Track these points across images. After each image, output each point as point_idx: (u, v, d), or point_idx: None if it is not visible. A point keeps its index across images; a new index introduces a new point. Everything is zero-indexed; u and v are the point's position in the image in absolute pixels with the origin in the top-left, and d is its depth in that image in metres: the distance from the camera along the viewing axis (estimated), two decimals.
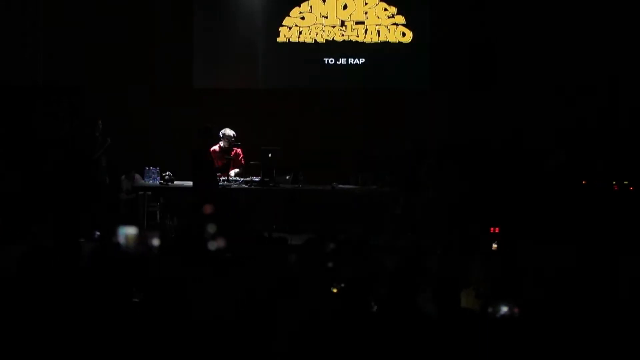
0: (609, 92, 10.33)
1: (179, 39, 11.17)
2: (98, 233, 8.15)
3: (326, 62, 11.24)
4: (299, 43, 11.25)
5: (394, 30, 11.17)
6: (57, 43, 10.60)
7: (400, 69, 11.15)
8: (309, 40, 11.24)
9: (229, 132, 9.48)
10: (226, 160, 9.23)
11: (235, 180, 9.35)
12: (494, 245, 6.39)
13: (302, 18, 11.25)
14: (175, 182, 9.52)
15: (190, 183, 9.48)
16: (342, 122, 10.87)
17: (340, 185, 9.69)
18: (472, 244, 7.51)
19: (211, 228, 4.24)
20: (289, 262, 4.25)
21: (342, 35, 11.21)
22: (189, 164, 8.82)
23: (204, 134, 8.66)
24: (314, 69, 11.24)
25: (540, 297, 3.53)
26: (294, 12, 11.25)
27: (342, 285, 3.70)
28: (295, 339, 3.19)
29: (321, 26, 11.22)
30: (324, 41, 11.22)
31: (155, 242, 3.73)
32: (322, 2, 11.22)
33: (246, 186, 9.28)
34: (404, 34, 11.15)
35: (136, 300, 3.53)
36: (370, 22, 11.19)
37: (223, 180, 9.34)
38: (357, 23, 11.21)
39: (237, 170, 9.54)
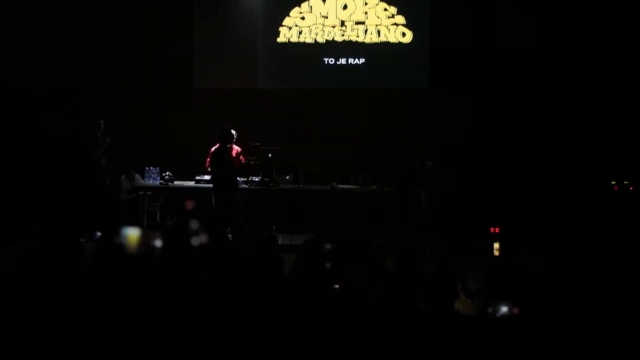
0: (609, 91, 10.32)
1: (179, 39, 11.17)
2: (99, 233, 8.16)
3: (326, 62, 11.24)
4: (299, 43, 11.25)
5: (394, 30, 11.17)
6: (57, 43, 10.59)
7: (400, 69, 11.15)
8: (309, 40, 11.24)
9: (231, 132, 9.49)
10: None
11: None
12: (496, 245, 6.38)
13: (302, 18, 11.25)
14: (175, 182, 9.52)
15: (191, 183, 9.50)
16: (342, 122, 10.87)
17: (340, 185, 9.69)
18: (470, 244, 7.50)
19: (194, 225, 4.23)
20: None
21: (342, 35, 11.21)
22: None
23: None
24: (314, 69, 11.24)
25: (539, 297, 3.53)
26: (294, 12, 11.25)
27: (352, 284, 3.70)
28: (293, 339, 3.19)
29: (321, 26, 11.22)
30: (324, 41, 11.22)
31: (158, 243, 3.73)
32: (322, 2, 11.22)
33: (246, 186, 9.29)
34: (404, 34, 11.15)
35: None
36: (370, 22, 11.20)
37: None
38: (357, 23, 11.21)
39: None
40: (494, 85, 10.70)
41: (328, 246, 4.31)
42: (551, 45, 10.54)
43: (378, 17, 11.18)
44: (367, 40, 11.19)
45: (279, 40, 11.27)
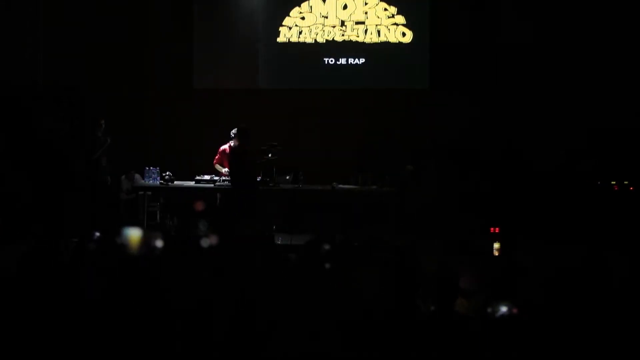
0: (609, 91, 10.31)
1: (179, 39, 11.17)
2: (97, 233, 8.14)
3: (326, 62, 11.24)
4: (299, 43, 11.25)
5: (394, 30, 11.17)
6: (57, 43, 10.59)
7: (400, 69, 11.15)
8: (309, 40, 11.24)
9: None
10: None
11: None
12: (496, 245, 6.39)
13: (302, 18, 11.25)
14: (175, 182, 9.52)
15: (191, 183, 9.50)
16: (342, 122, 10.87)
17: (340, 185, 9.69)
18: (468, 244, 7.51)
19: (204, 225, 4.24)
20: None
21: (342, 35, 11.21)
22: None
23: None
24: (314, 69, 11.24)
25: (538, 298, 3.53)
26: (294, 12, 11.25)
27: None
28: (293, 339, 3.19)
29: (321, 26, 11.22)
30: (324, 41, 11.22)
31: (158, 243, 3.73)
32: (322, 2, 11.22)
33: None
34: (404, 34, 11.15)
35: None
36: (370, 22, 11.20)
37: (223, 180, 9.35)
38: (357, 23, 11.21)
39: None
40: (494, 85, 10.70)
41: (328, 246, 4.31)
42: (551, 44, 10.53)
43: (378, 17, 11.18)
44: (367, 40, 11.19)
45: (279, 40, 11.27)
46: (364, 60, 11.21)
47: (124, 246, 4.12)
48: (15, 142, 9.27)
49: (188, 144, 10.71)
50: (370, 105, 10.99)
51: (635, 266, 4.97)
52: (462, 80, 10.82)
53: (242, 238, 4.97)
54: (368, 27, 11.19)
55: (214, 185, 9.32)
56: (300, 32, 11.25)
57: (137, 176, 10.04)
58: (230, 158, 8.91)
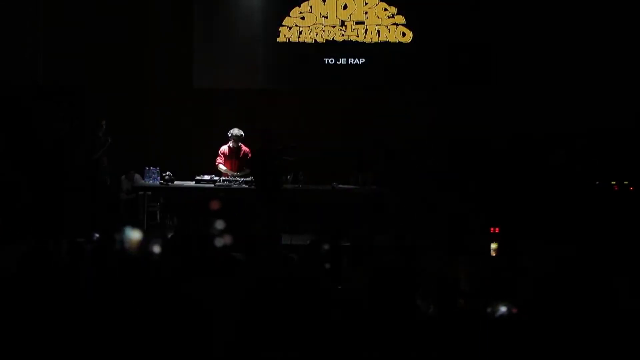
0: (609, 91, 10.32)
1: (179, 39, 11.16)
2: (97, 234, 8.14)
3: (326, 62, 11.23)
4: (299, 43, 11.24)
5: (394, 30, 11.16)
6: (57, 43, 10.59)
7: (400, 69, 11.15)
8: (309, 40, 11.23)
9: (237, 131, 9.52)
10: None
11: (236, 180, 9.36)
12: (493, 246, 6.39)
13: (302, 18, 11.24)
14: (176, 182, 9.52)
15: (191, 183, 9.51)
16: (342, 122, 10.87)
17: (340, 185, 9.69)
18: (466, 244, 7.52)
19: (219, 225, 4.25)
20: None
21: (342, 35, 11.20)
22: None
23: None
24: (314, 69, 11.24)
25: (536, 298, 3.53)
26: (294, 12, 11.25)
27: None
28: (294, 339, 3.20)
29: (321, 26, 11.21)
30: (324, 41, 11.21)
31: (156, 248, 3.71)
32: (322, 2, 11.21)
33: (246, 186, 9.29)
34: (404, 34, 11.15)
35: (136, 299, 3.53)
36: (370, 22, 11.19)
37: (223, 181, 9.36)
38: (357, 23, 11.20)
39: (247, 170, 9.58)
40: (494, 85, 10.70)
41: (328, 247, 4.31)
42: (550, 44, 10.54)
43: (378, 17, 11.17)
44: (367, 40, 11.18)
45: (279, 40, 11.26)
46: (364, 60, 11.20)
47: (123, 247, 4.12)
48: (15, 142, 9.27)
49: (188, 144, 10.71)
50: (370, 105, 10.99)
51: (635, 266, 4.98)
52: (462, 80, 10.84)
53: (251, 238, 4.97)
54: (368, 27, 11.19)
55: (214, 185, 9.32)
56: (300, 32, 11.24)
57: (137, 176, 10.04)
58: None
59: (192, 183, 9.53)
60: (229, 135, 9.51)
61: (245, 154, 9.63)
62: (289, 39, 11.26)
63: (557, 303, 3.44)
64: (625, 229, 8.80)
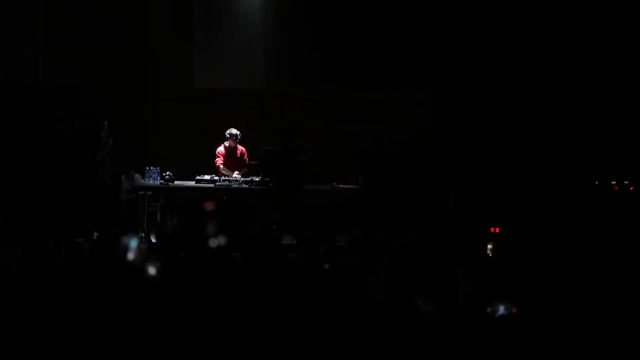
0: (609, 90, 10.32)
1: (179, 39, 11.16)
2: (96, 234, 8.14)
3: (326, 62, 11.22)
4: (299, 43, 11.23)
5: None
6: (57, 43, 10.59)
7: (400, 69, 11.13)
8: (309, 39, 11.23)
9: (234, 131, 9.52)
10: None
11: (236, 180, 9.36)
12: (489, 246, 6.37)
13: None
14: (176, 182, 9.52)
15: (191, 183, 9.51)
16: (343, 122, 10.87)
17: (341, 185, 9.69)
18: (464, 244, 7.50)
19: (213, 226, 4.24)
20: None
21: None
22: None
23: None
24: (314, 68, 11.23)
25: (536, 298, 3.53)
26: None
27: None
28: (294, 339, 3.20)
29: None
30: None
31: (152, 270, 3.67)
32: None
33: (246, 186, 9.29)
34: None
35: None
36: None
37: (223, 180, 9.36)
38: None
39: (244, 170, 9.59)
40: (493, 85, 10.71)
41: (327, 247, 4.31)
42: (550, 43, 10.54)
43: None
44: None
45: (279, 40, 11.26)
46: (364, 60, 11.18)
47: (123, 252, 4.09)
48: (15, 142, 9.27)
49: (188, 144, 10.71)
50: (370, 105, 10.98)
51: (635, 266, 4.98)
52: (462, 80, 10.85)
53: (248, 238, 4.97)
54: None
55: (214, 185, 9.32)
56: None
57: (137, 176, 10.04)
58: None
59: (192, 183, 9.53)
60: (227, 135, 9.52)
61: (242, 153, 9.64)
62: (289, 39, 11.25)
63: (557, 303, 3.44)
64: (625, 229, 8.79)
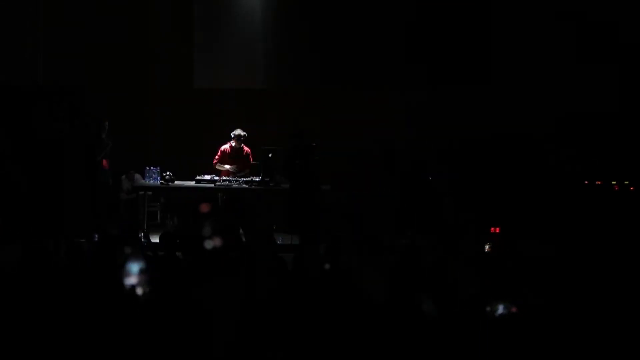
0: (609, 90, 10.32)
1: (179, 39, 11.17)
2: (97, 235, 8.15)
3: (326, 62, 11.22)
4: (299, 43, 11.24)
5: None
6: (57, 43, 10.59)
7: (400, 69, 11.14)
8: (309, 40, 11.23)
9: (239, 132, 9.52)
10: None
11: (236, 180, 9.36)
12: (487, 247, 6.36)
13: None
14: (176, 182, 9.52)
15: (191, 183, 9.51)
16: (342, 122, 10.87)
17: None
18: (464, 244, 7.51)
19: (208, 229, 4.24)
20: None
21: None
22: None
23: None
24: (314, 68, 11.23)
25: (536, 297, 3.53)
26: None
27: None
28: (295, 339, 3.19)
29: None
30: None
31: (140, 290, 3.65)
32: None
33: (247, 186, 9.29)
34: None
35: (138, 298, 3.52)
36: None
37: (223, 180, 9.36)
38: None
39: (247, 170, 9.59)
40: (494, 85, 10.71)
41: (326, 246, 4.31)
42: (549, 43, 10.54)
43: None
44: None
45: (279, 40, 11.26)
46: (364, 60, 11.18)
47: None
48: (15, 142, 9.27)
49: (188, 144, 10.71)
50: (370, 105, 10.98)
51: (635, 266, 4.98)
52: (462, 80, 10.85)
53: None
54: None
55: (215, 185, 9.32)
56: None
57: (138, 176, 10.05)
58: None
59: (192, 183, 9.53)
60: (232, 135, 9.50)
61: (248, 154, 9.64)
62: (289, 39, 11.25)
63: (556, 303, 3.44)
64: (625, 229, 8.80)
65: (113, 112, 10.06)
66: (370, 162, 10.14)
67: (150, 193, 9.85)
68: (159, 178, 9.49)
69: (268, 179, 9.33)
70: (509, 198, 9.53)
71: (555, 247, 7.92)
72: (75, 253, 4.24)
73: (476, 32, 10.93)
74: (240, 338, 3.22)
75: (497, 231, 7.87)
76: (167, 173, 9.48)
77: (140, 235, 8.24)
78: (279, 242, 8.37)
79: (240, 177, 9.43)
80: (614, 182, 9.63)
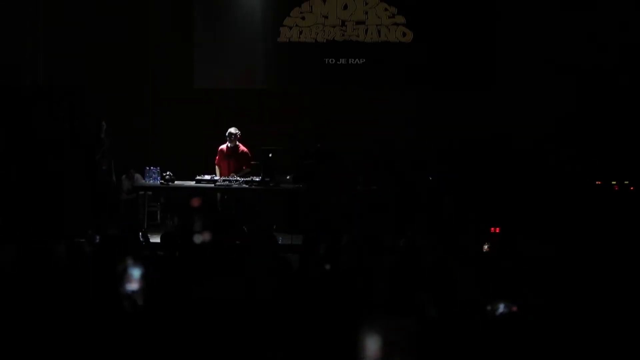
0: (610, 90, 10.32)
1: (179, 39, 11.17)
2: (97, 237, 8.13)
3: (326, 62, 11.24)
4: (299, 43, 11.24)
5: (394, 30, 11.16)
6: (57, 43, 10.59)
7: (400, 69, 11.15)
8: (310, 40, 11.23)
9: (233, 130, 9.53)
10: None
11: (236, 180, 9.36)
12: (487, 247, 6.36)
13: (303, 18, 11.24)
14: (176, 182, 9.53)
15: (191, 183, 9.52)
16: (342, 122, 10.87)
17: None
18: (463, 244, 7.51)
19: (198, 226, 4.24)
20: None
21: (343, 35, 11.20)
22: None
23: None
24: (314, 69, 11.24)
25: (536, 297, 3.53)
26: (295, 12, 11.24)
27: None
28: (295, 339, 3.19)
29: (321, 26, 11.22)
30: (325, 41, 11.22)
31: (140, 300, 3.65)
32: (322, 2, 11.22)
33: (247, 186, 9.30)
34: (404, 34, 11.15)
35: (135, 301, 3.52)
36: (371, 22, 11.19)
37: (224, 180, 9.36)
38: (358, 23, 11.20)
39: (246, 170, 9.59)
40: (493, 85, 10.72)
41: (326, 246, 4.30)
42: (549, 43, 10.54)
43: (378, 17, 11.18)
44: (368, 40, 11.18)
45: (279, 40, 11.27)
46: (364, 60, 11.20)
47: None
48: (15, 143, 9.27)
49: (188, 144, 10.71)
50: (370, 105, 10.99)
51: (635, 266, 4.98)
52: (462, 80, 10.86)
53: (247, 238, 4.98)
54: (368, 27, 11.19)
55: (214, 185, 9.33)
56: (300, 32, 11.24)
57: (138, 176, 10.05)
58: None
59: (192, 183, 9.53)
60: (227, 135, 9.53)
61: (244, 153, 9.64)
62: (289, 39, 11.27)
63: (556, 303, 3.44)
64: (625, 229, 8.80)
65: (113, 112, 10.07)
66: (370, 162, 10.15)
67: (150, 193, 9.85)
68: (159, 178, 9.50)
69: (268, 179, 9.33)
70: (509, 198, 9.52)
71: (555, 247, 7.92)
72: (75, 253, 4.24)
73: (481, 35, 10.93)
74: (240, 338, 3.22)
75: (497, 231, 7.85)
76: (167, 173, 9.48)
77: (140, 235, 8.23)
78: (279, 242, 8.37)
79: (240, 176, 9.44)
80: (614, 182, 9.63)
